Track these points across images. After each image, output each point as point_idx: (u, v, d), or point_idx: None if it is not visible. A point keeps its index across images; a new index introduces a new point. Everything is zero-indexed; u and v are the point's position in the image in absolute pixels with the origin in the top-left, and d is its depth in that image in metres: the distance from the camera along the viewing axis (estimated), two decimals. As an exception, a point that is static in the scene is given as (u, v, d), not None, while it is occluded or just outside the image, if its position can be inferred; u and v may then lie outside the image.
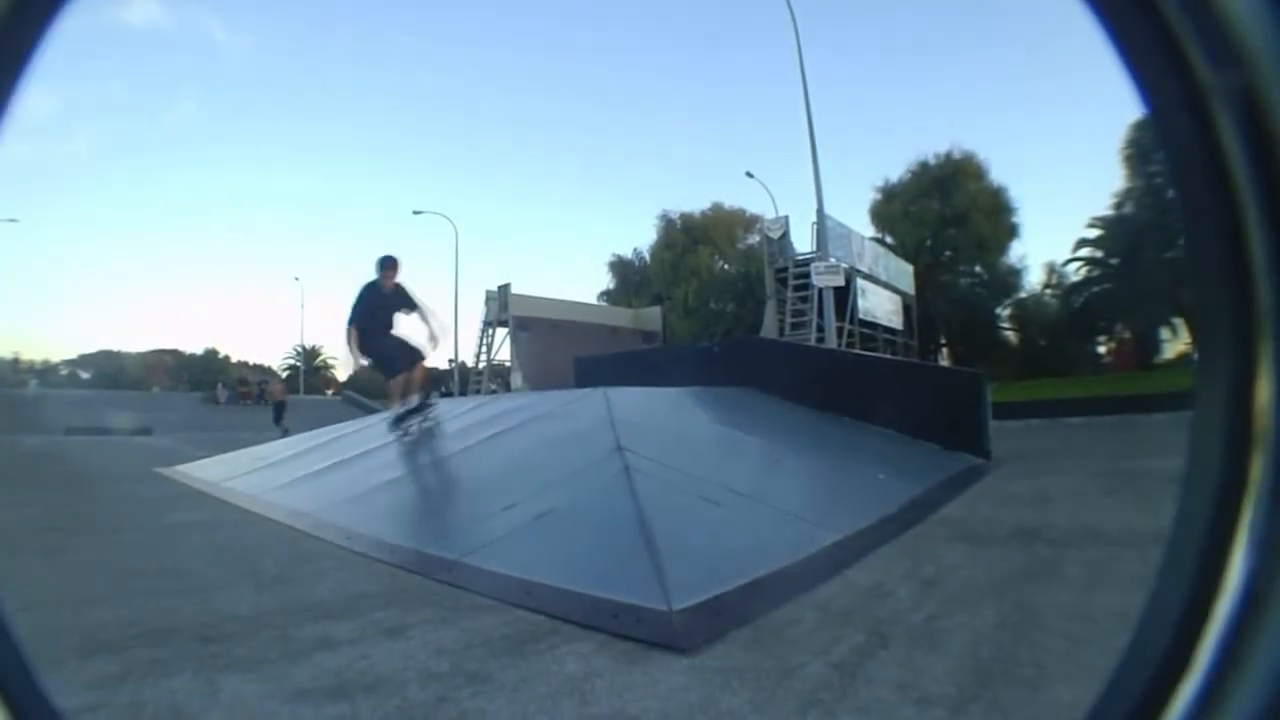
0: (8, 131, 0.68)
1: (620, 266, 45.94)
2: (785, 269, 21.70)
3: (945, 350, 35.55)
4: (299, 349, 58.55)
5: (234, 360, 63.75)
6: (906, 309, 27.04)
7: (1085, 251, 33.06)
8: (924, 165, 37.26)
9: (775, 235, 22.78)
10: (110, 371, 59.83)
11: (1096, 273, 32.52)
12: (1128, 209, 31.14)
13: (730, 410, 8.95)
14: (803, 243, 22.50)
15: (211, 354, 66.45)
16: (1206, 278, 0.52)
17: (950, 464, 7.65)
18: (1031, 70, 50.10)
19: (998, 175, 36.49)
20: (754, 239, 39.46)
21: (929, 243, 34.59)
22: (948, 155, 36.99)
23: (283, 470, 7.95)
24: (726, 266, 40.72)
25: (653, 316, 31.08)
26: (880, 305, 24.23)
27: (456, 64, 71.89)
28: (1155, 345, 30.58)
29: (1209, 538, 0.50)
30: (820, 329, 18.96)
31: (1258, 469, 0.49)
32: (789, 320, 21.05)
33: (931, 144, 44.78)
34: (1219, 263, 0.51)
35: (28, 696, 0.69)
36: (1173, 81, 0.53)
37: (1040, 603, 3.00)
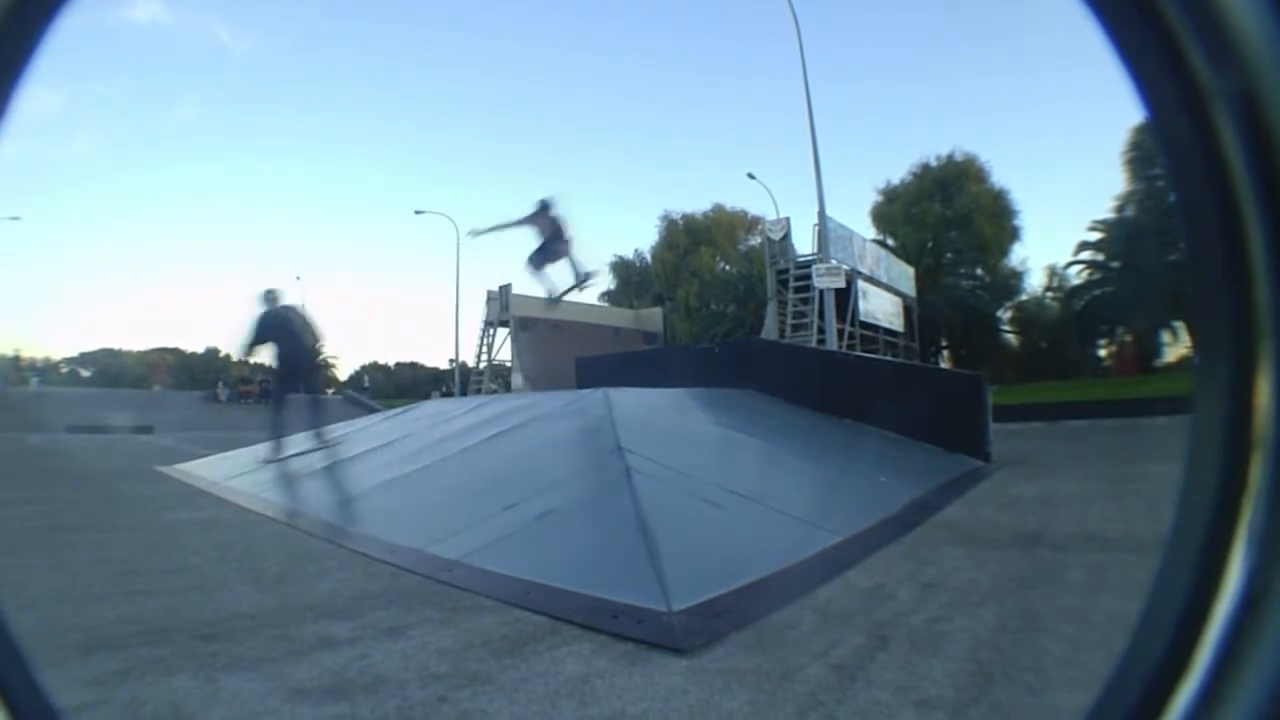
0: (9, 129, 0.68)
1: (622, 267, 45.92)
2: (786, 270, 21.63)
3: (946, 353, 35.51)
4: (300, 348, 58.45)
5: (235, 359, 63.68)
6: (907, 311, 26.97)
7: (1086, 254, 32.98)
8: (926, 167, 37.31)
9: (777, 236, 22.71)
10: (112, 370, 59.84)
11: (1098, 276, 32.44)
12: (1129, 212, 31.12)
13: (731, 411, 8.95)
14: (804, 244, 22.46)
15: (213, 353, 66.31)
16: (1206, 279, 0.52)
17: (951, 466, 7.66)
18: (1033, 73, 50.11)
19: (1000, 178, 36.55)
20: (755, 240, 39.51)
21: (930, 245, 34.53)
22: (950, 157, 37.06)
23: (283, 469, 7.94)
24: (728, 267, 40.75)
25: (654, 317, 31.00)
26: (881, 307, 24.17)
27: (459, 64, 71.91)
28: (1156, 348, 30.49)
29: (1209, 538, 0.50)
30: (821, 331, 18.93)
31: (1257, 469, 0.49)
32: (790, 322, 20.99)
33: (934, 146, 44.86)
34: (1219, 264, 0.51)
35: (26, 695, 0.69)
36: (1173, 84, 0.53)
37: (1041, 606, 3.00)
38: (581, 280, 10.10)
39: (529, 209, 9.46)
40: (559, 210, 9.54)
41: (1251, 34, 0.49)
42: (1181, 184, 0.54)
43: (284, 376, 8.05)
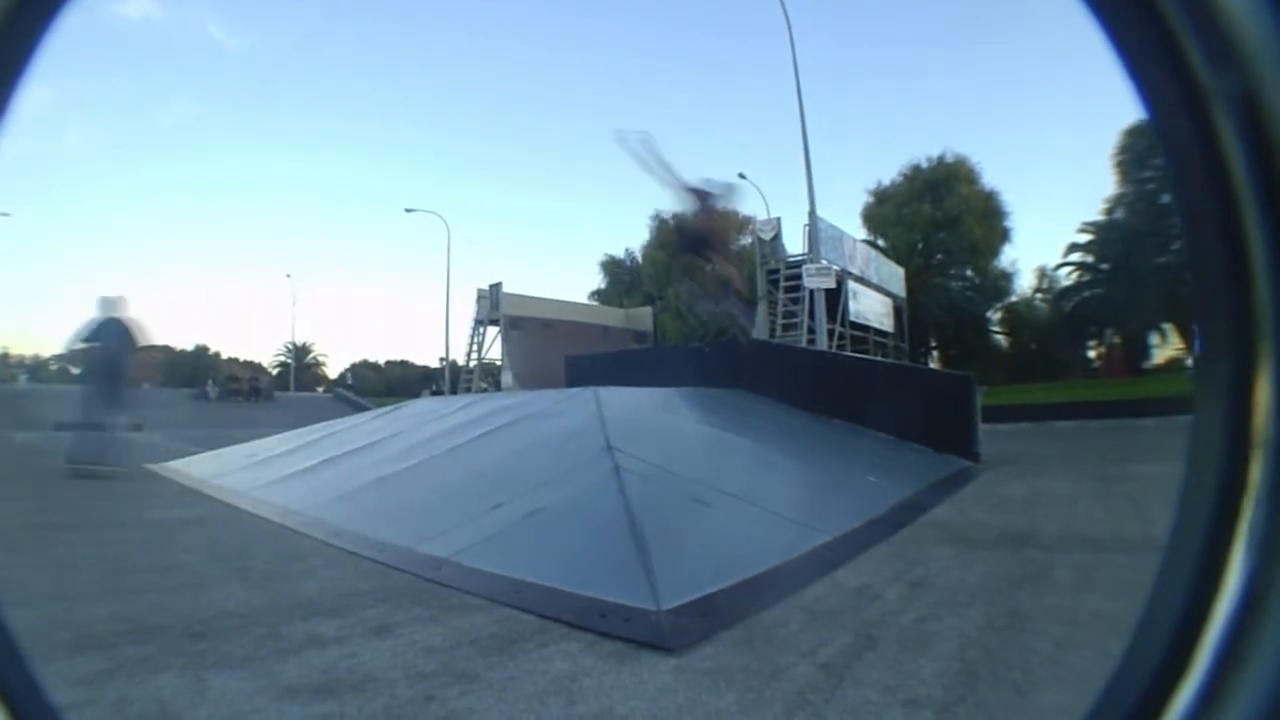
0: (8, 129, 0.67)
1: (612, 266, 45.85)
2: (777, 270, 21.61)
3: (936, 353, 35.66)
4: (290, 346, 58.23)
5: (224, 357, 63.23)
6: (897, 311, 27.03)
7: (1076, 256, 33.26)
8: (916, 168, 37.36)
9: (767, 237, 22.71)
10: (100, 367, 59.20)
11: (1087, 278, 32.70)
12: (1119, 214, 31.35)
13: (721, 411, 8.95)
14: (795, 244, 22.47)
15: (202, 350, 65.86)
16: (1206, 279, 0.52)
17: (940, 466, 7.69)
18: (1027, 74, 50.27)
19: (990, 179, 36.67)
20: (746, 240, 39.52)
21: (921, 246, 34.66)
22: (940, 159, 37.10)
23: (272, 467, 7.91)
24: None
25: (644, 317, 30.98)
26: (871, 307, 24.21)
27: (450, 63, 71.70)
28: (1145, 350, 30.74)
29: (1209, 538, 0.50)
30: (811, 331, 18.97)
31: (1257, 469, 0.49)
32: (780, 322, 20.99)
33: (924, 147, 44.99)
34: (1219, 265, 0.51)
35: (25, 693, 0.68)
36: (1173, 84, 0.53)
37: (1028, 606, 3.01)
38: (741, 328, 9.05)
39: (707, 181, 7.79)
40: (730, 205, 8.28)
41: (1251, 34, 0.49)
42: (1181, 184, 0.54)
43: (94, 381, 8.61)
